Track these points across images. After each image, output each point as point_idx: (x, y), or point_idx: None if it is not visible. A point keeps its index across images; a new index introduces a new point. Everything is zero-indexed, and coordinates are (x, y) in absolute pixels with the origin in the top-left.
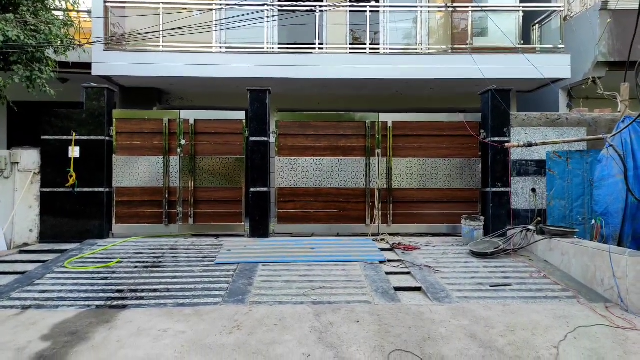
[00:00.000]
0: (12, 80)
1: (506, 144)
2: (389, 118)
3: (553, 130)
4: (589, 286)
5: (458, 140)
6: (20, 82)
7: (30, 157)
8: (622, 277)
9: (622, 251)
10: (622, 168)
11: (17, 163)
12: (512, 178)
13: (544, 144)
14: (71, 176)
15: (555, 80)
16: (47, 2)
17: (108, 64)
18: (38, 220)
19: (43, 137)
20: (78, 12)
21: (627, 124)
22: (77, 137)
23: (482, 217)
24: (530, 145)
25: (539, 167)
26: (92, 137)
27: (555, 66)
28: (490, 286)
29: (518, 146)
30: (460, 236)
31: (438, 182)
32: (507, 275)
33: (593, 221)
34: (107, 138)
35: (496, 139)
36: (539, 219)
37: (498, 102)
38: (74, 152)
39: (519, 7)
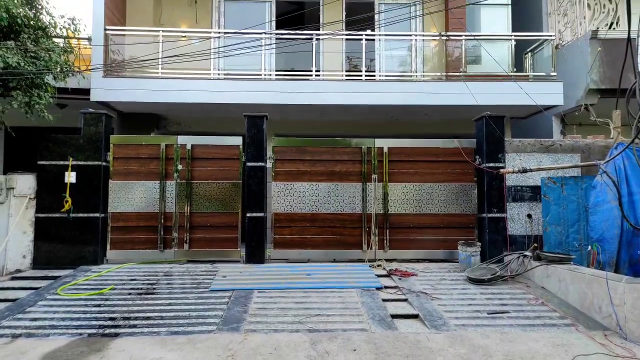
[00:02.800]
0: (11, 105)
1: (501, 170)
2: (384, 144)
3: (547, 156)
4: (587, 313)
5: (453, 166)
6: (19, 107)
7: (26, 182)
8: (619, 305)
9: (619, 278)
10: (616, 194)
11: (13, 188)
12: (507, 204)
13: (538, 169)
14: (67, 201)
15: (548, 107)
16: (48, 29)
17: (107, 89)
18: (32, 246)
19: (40, 162)
20: (78, 39)
21: (619, 151)
22: (74, 163)
23: (479, 243)
24: (524, 171)
25: (534, 193)
26: (89, 163)
27: (548, 93)
28: (488, 314)
29: (513, 172)
30: (457, 262)
31: (434, 207)
32: (504, 303)
33: (589, 247)
34: (104, 163)
35: (491, 164)
36: (535, 245)
37: (492, 129)
38: (70, 177)
39: (511, 36)
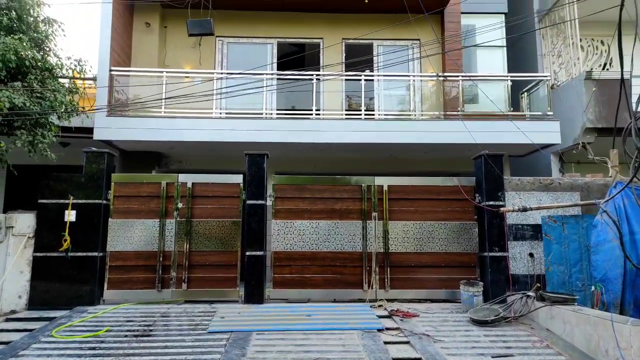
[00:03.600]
0: (15, 144)
1: (501, 209)
2: (384, 182)
3: (547, 195)
4: (593, 357)
5: (454, 204)
6: (23, 146)
7: (25, 221)
8: (626, 348)
9: (625, 320)
10: (617, 233)
11: (12, 227)
12: (509, 242)
13: (538, 208)
14: (65, 240)
15: (546, 146)
16: (54, 70)
17: (110, 128)
18: (28, 286)
19: (40, 201)
20: (84, 79)
21: (618, 190)
22: (74, 201)
23: (481, 283)
24: (525, 210)
25: (536, 232)
26: (89, 201)
27: (545, 132)
28: (492, 357)
29: (513, 211)
30: (460, 302)
31: (435, 246)
32: (509, 345)
33: (593, 288)
34: (104, 201)
35: (491, 203)
36: (538, 285)
37: (491, 167)
38: (70, 215)
39: (507, 76)
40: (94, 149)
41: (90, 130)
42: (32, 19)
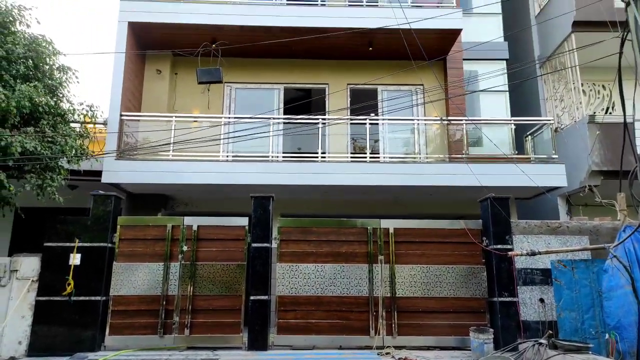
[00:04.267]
0: (24, 188)
1: (509, 253)
2: (390, 224)
3: (555, 239)
4: None
5: (461, 248)
6: (31, 190)
7: (30, 265)
8: None
9: None
10: (629, 279)
11: (17, 270)
12: (518, 287)
13: (547, 252)
14: (69, 284)
15: (552, 189)
16: (66, 116)
17: (118, 171)
18: (29, 331)
19: (46, 244)
20: (94, 124)
21: (628, 234)
22: (80, 244)
23: (491, 330)
24: (533, 254)
25: (545, 276)
26: (95, 244)
27: (551, 175)
28: None
29: (521, 255)
30: (470, 350)
31: (443, 290)
32: None
33: (607, 335)
34: (110, 245)
35: (499, 246)
36: (550, 332)
37: (497, 210)
38: (75, 259)
39: (510, 120)
40: (101, 192)
41: (98, 173)
42: (47, 67)
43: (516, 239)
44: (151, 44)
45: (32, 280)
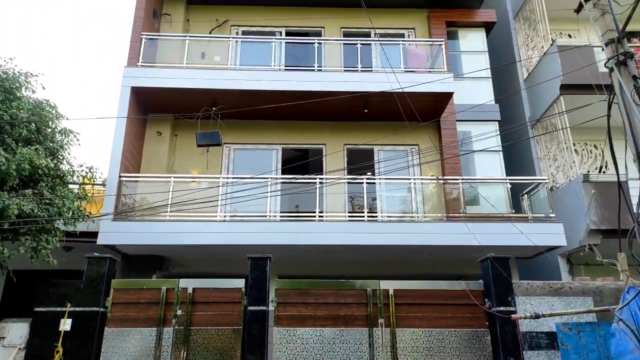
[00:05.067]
0: (18, 250)
1: (512, 316)
2: (390, 286)
3: (559, 300)
4: None
5: (463, 310)
6: (25, 252)
7: (18, 331)
8: None
9: None
10: (637, 344)
11: (3, 338)
12: (524, 352)
13: (551, 315)
14: (57, 352)
15: (551, 249)
16: (65, 177)
17: (114, 233)
18: None
19: (36, 309)
20: (93, 185)
21: (632, 296)
22: (71, 309)
23: None
24: (537, 316)
25: (551, 340)
26: (87, 309)
27: (549, 234)
28: None
29: (525, 318)
30: None
31: (447, 356)
32: None
33: None
34: (102, 309)
35: (502, 308)
36: None
37: (498, 271)
38: (66, 325)
39: (506, 179)
40: (96, 254)
41: (94, 235)
42: (50, 130)
43: (519, 301)
44: (152, 107)
45: (19, 348)
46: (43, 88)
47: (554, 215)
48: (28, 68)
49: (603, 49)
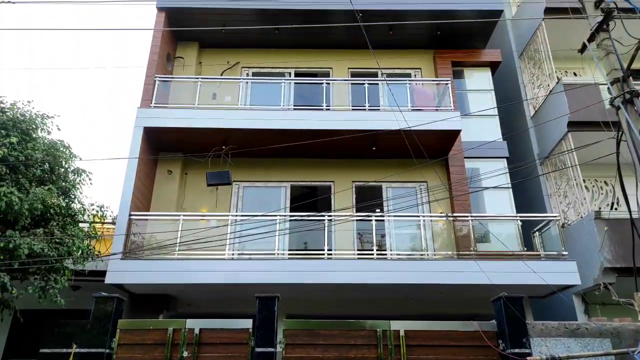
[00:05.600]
0: (26, 290)
1: (528, 358)
2: (401, 326)
3: (575, 341)
4: None
5: (477, 352)
6: (33, 292)
7: None
8: None
9: None
10: None
11: None
12: None
13: (568, 358)
14: None
15: (565, 288)
16: (76, 216)
17: (123, 272)
18: None
19: (42, 351)
20: (103, 223)
21: None
22: (77, 350)
23: None
24: (553, 359)
25: None
26: (93, 350)
27: (563, 272)
28: None
29: None
30: None
31: None
32: None
33: None
34: (107, 350)
35: (516, 350)
36: None
37: (511, 311)
38: None
39: (516, 217)
40: (104, 294)
41: (102, 274)
42: (63, 169)
43: (534, 342)
44: (163, 146)
45: None
46: (58, 129)
47: (566, 253)
48: (45, 109)
49: (609, 88)
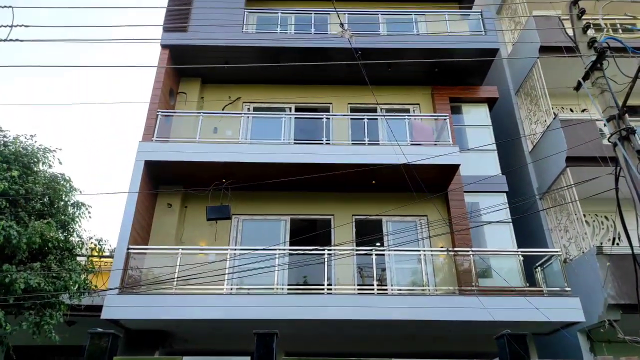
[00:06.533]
0: (20, 326)
1: None
2: None
3: None
4: None
5: None
6: (28, 328)
7: None
8: None
9: None
10: None
11: None
12: None
13: None
14: None
15: (569, 324)
16: (74, 250)
17: (119, 307)
18: None
19: None
20: (101, 257)
21: None
22: None
23: None
24: None
25: None
26: None
27: (566, 309)
28: None
29: None
30: None
31: None
32: None
33: None
34: None
35: None
36: None
37: (515, 349)
38: None
39: (517, 251)
40: (99, 329)
41: (98, 309)
42: (62, 203)
43: None
44: (164, 179)
45: None
46: (60, 163)
47: (569, 289)
48: (48, 142)
49: (605, 125)
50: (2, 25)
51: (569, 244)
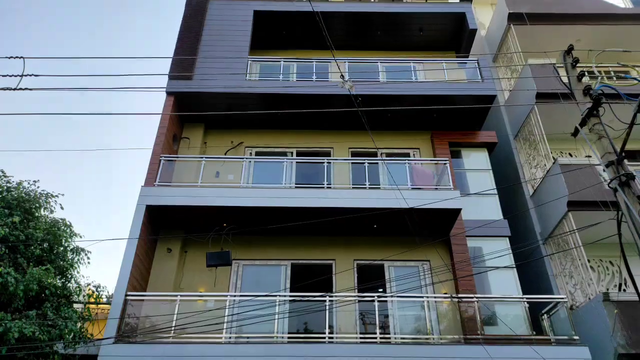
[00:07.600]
0: None
1: None
2: None
3: None
4: None
5: None
6: None
7: None
8: None
9: None
10: None
11: None
12: None
13: None
14: None
15: None
16: (71, 297)
17: (115, 357)
18: None
19: None
20: (98, 304)
21: None
22: None
23: None
24: None
25: None
26: None
27: (575, 359)
28: None
29: None
30: None
31: None
32: None
33: None
34: None
35: None
36: None
37: None
38: None
39: (522, 298)
40: None
41: (94, 358)
42: (62, 248)
43: None
44: (165, 224)
45: None
46: (62, 208)
47: (577, 337)
48: (50, 188)
49: (604, 170)
50: (12, 75)
51: (575, 290)
